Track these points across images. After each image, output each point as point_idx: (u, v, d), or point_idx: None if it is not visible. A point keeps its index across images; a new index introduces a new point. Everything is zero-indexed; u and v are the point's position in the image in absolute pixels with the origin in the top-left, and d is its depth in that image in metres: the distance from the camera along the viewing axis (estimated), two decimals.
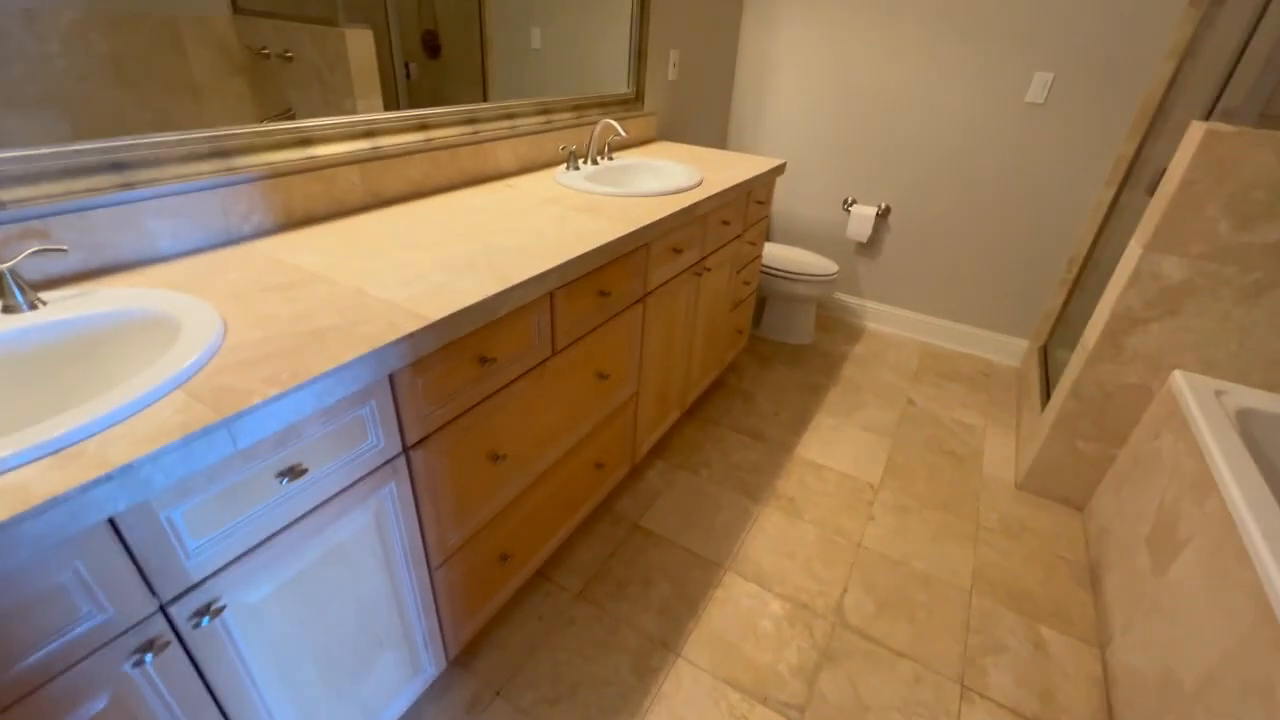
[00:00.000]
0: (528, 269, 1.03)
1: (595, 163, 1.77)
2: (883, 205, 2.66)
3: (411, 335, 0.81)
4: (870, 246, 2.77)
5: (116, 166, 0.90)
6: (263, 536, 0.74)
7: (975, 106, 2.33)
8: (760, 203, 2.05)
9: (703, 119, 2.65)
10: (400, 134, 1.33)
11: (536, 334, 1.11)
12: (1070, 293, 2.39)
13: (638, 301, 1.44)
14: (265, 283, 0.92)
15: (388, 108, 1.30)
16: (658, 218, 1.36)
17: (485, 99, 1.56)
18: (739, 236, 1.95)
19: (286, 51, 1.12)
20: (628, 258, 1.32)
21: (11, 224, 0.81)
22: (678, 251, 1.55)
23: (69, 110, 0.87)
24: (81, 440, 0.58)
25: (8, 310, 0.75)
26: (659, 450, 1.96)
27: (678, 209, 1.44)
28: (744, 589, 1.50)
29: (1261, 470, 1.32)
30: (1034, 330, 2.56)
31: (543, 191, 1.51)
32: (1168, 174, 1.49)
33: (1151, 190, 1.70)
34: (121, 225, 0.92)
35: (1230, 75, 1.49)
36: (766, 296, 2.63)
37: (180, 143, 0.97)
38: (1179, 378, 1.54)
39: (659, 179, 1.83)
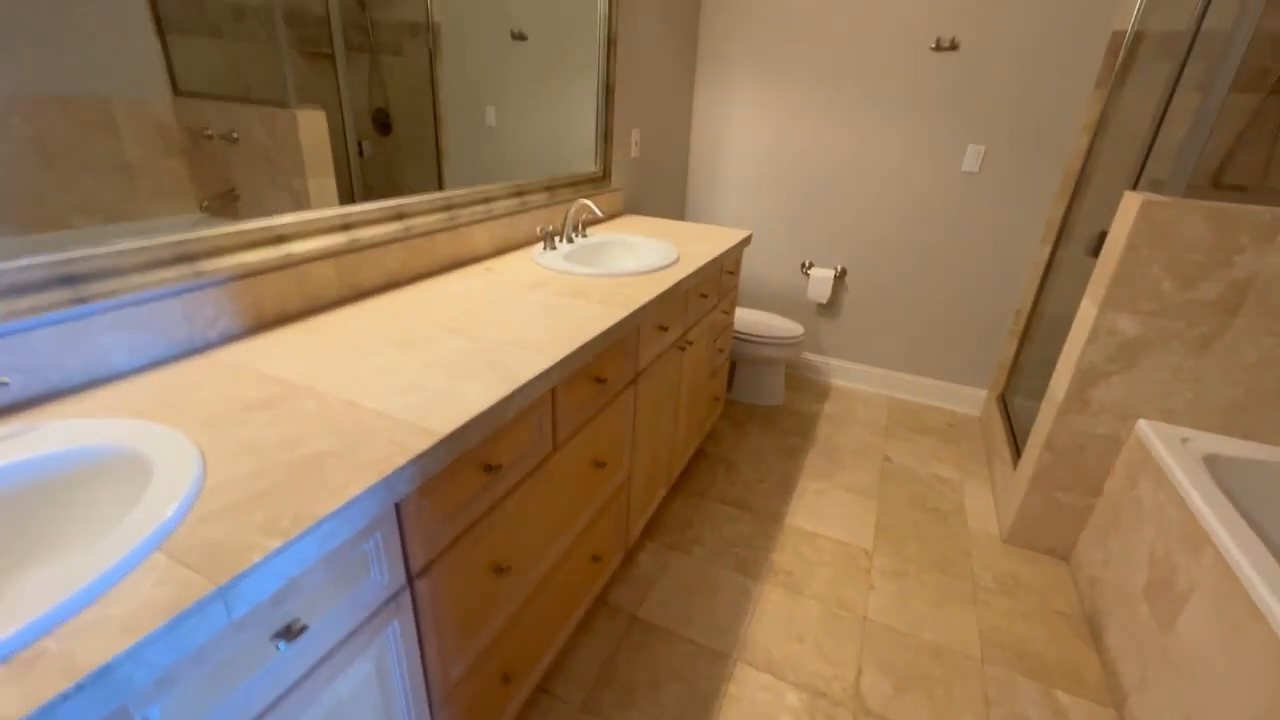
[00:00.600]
0: (531, 365, 0.97)
1: (571, 240, 1.75)
2: (839, 267, 2.77)
3: (422, 456, 0.73)
4: (831, 307, 2.86)
5: (68, 281, 0.80)
6: (252, 716, 0.62)
7: (918, 175, 2.50)
8: (730, 273, 2.09)
9: (663, 192, 2.72)
10: (377, 225, 1.27)
11: (538, 432, 1.04)
12: (1020, 343, 2.52)
13: (630, 384, 1.40)
14: (243, 399, 0.82)
15: (341, 187, 1.23)
16: (648, 299, 1.34)
17: (440, 175, 1.53)
18: (715, 307, 1.97)
19: (232, 132, 1.06)
20: (621, 341, 1.29)
21: None
22: (663, 329, 1.53)
23: None
24: (39, 638, 0.47)
25: None
26: (649, 530, 1.88)
27: (664, 289, 1.43)
28: (757, 681, 1.41)
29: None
30: (991, 380, 2.68)
31: (524, 275, 1.47)
32: (1111, 239, 1.61)
33: (1092, 252, 1.83)
34: (71, 344, 0.81)
35: (1150, 150, 1.66)
36: (736, 360, 2.65)
37: (143, 250, 0.88)
38: (1144, 426, 1.62)
39: (637, 257, 1.83)
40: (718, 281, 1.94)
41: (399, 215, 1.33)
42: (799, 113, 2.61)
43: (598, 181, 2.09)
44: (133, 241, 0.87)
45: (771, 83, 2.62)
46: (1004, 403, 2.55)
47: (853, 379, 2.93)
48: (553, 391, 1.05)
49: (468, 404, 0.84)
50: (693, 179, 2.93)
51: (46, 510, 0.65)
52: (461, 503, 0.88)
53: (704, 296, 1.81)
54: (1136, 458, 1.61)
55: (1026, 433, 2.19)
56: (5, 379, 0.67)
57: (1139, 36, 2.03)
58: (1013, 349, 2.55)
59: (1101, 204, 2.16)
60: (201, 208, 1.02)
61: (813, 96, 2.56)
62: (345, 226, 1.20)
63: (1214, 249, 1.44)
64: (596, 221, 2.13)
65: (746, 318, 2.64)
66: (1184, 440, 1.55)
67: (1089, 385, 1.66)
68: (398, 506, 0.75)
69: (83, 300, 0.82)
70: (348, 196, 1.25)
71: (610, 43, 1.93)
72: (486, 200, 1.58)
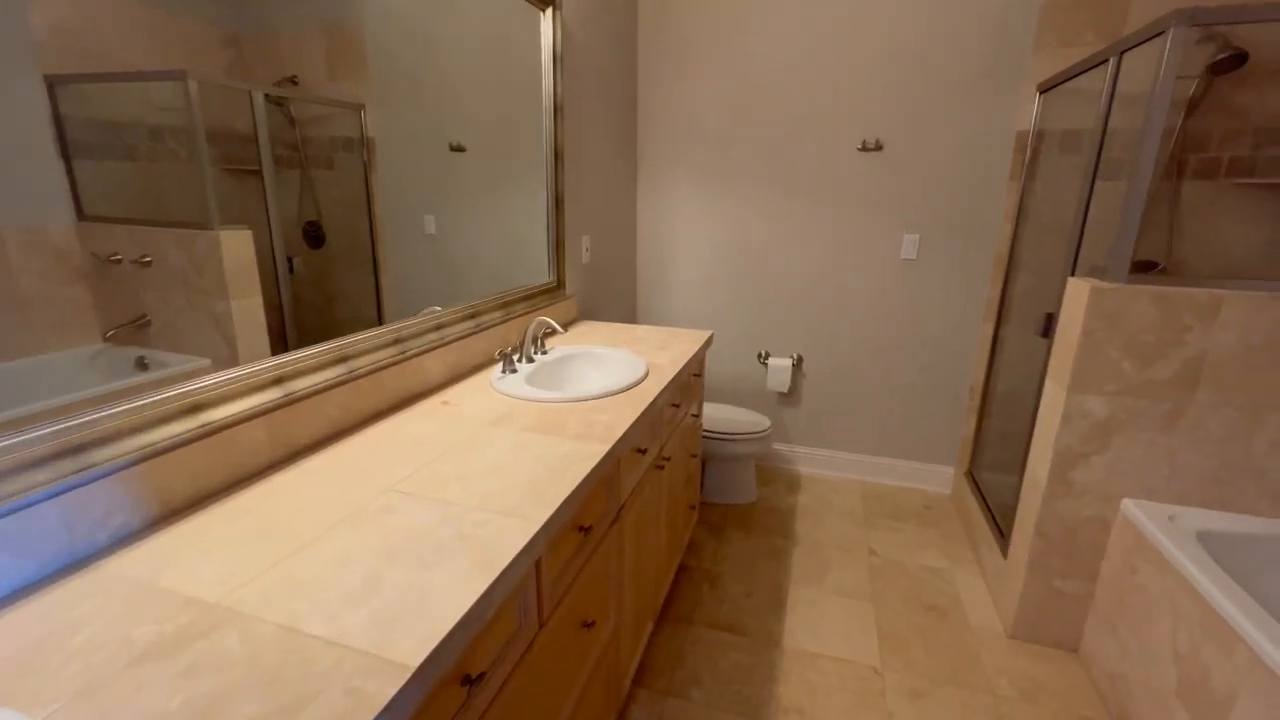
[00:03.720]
0: (512, 537, 0.82)
1: (531, 359, 1.64)
2: (796, 355, 2.77)
3: (389, 707, 0.56)
4: (791, 395, 2.83)
5: None
6: None
7: (862, 264, 2.58)
8: (696, 375, 2.02)
9: (615, 296, 2.68)
10: (317, 372, 1.12)
11: (522, 614, 0.87)
12: (979, 418, 2.56)
13: (614, 522, 1.25)
14: (136, 645, 0.63)
15: (269, 305, 1.08)
16: (627, 424, 1.22)
17: (378, 286, 1.42)
18: (686, 414, 1.87)
19: (144, 256, 0.91)
20: (603, 479, 1.16)
21: None
22: (641, 452, 1.41)
23: None
24: None
25: None
26: (639, 676, 1.66)
27: (640, 410, 1.32)
28: None
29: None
30: (956, 456, 2.68)
31: (486, 406, 1.33)
32: (1064, 323, 1.65)
33: (1042, 333, 1.89)
34: None
35: (1081, 237, 1.75)
36: (706, 459, 2.54)
37: (11, 449, 0.69)
38: (1130, 506, 1.60)
39: (605, 371, 1.73)
40: (687, 388, 1.86)
41: (341, 358, 1.18)
42: (742, 210, 2.69)
43: (552, 291, 2.02)
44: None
45: (711, 183, 2.70)
46: (973, 478, 2.54)
47: (821, 466, 2.87)
48: (538, 563, 0.90)
49: (440, 609, 0.68)
50: (642, 280, 2.93)
51: None
52: None
53: (675, 406, 1.72)
54: (1129, 540, 1.57)
55: (1003, 509, 2.16)
56: None
57: (1040, 135, 2.23)
58: (973, 424, 2.58)
59: (1036, 285, 2.28)
60: (105, 337, 0.85)
61: (753, 195, 2.65)
62: (278, 380, 1.04)
63: (1163, 330, 1.50)
64: (554, 330, 2.04)
65: (712, 414, 2.57)
66: (1171, 518, 1.53)
67: (1069, 468, 1.65)
68: None
69: None
70: (276, 315, 1.10)
71: (557, 155, 1.92)
72: (439, 327, 1.46)
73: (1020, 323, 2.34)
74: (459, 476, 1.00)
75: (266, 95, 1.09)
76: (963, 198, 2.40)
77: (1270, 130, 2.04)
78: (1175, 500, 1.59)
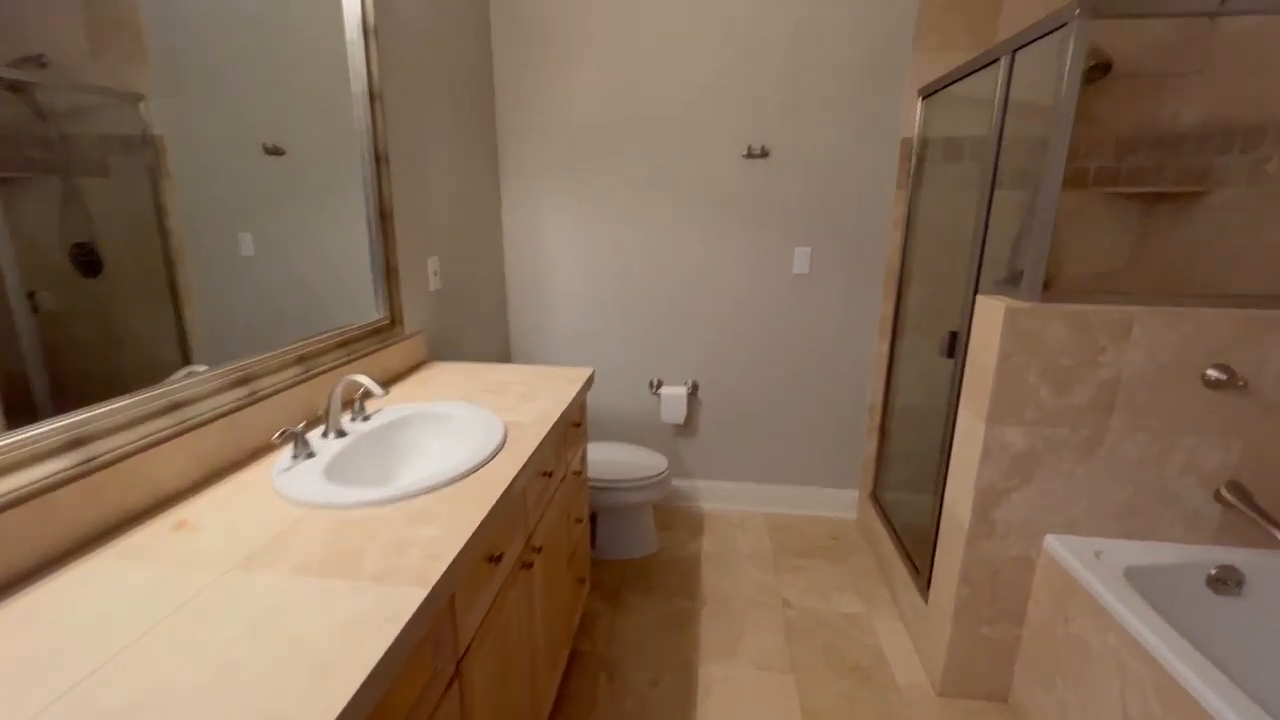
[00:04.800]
0: None
1: (342, 433, 1.20)
2: (690, 382, 2.50)
3: None
4: (688, 426, 2.57)
5: None
6: None
7: (753, 280, 2.37)
8: (576, 424, 1.66)
9: (479, 328, 2.26)
10: None
11: None
12: (880, 438, 2.43)
13: (451, 682, 0.86)
14: None
15: None
16: (462, 543, 0.84)
17: (180, 320, 1.07)
18: (564, 478, 1.51)
19: None
20: (422, 641, 0.76)
21: None
22: (494, 560, 1.02)
23: None
24: None
25: None
26: None
27: (490, 506, 0.94)
28: None
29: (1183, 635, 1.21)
30: (859, 479, 2.54)
31: (244, 527, 0.88)
32: (977, 346, 1.49)
33: (946, 353, 1.75)
34: None
35: (983, 251, 1.62)
36: (597, 512, 2.19)
37: None
38: (1054, 543, 1.47)
39: (449, 442, 1.31)
40: (563, 445, 1.50)
41: None
42: (623, 223, 2.38)
43: (384, 331, 1.57)
44: None
45: (587, 191, 2.37)
46: (877, 501, 2.41)
47: (724, 500, 2.62)
48: None
49: None
50: (515, 307, 2.53)
51: None
52: None
53: (547, 475, 1.35)
54: (1057, 581, 1.43)
55: (911, 534, 2.02)
56: None
57: (924, 142, 2.14)
58: (874, 445, 2.45)
59: (930, 299, 2.17)
60: None
61: (635, 205, 2.35)
62: None
63: (1079, 351, 1.37)
64: (392, 379, 1.59)
65: (601, 458, 2.22)
66: (1097, 554, 1.41)
67: (992, 507, 1.49)
68: None
69: None
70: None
71: (379, 157, 1.49)
72: (175, 407, 0.98)
73: (917, 337, 2.23)
74: (134, 710, 0.56)
75: None
76: (853, 208, 2.26)
77: (1132, 140, 2.07)
78: (1095, 532, 1.48)
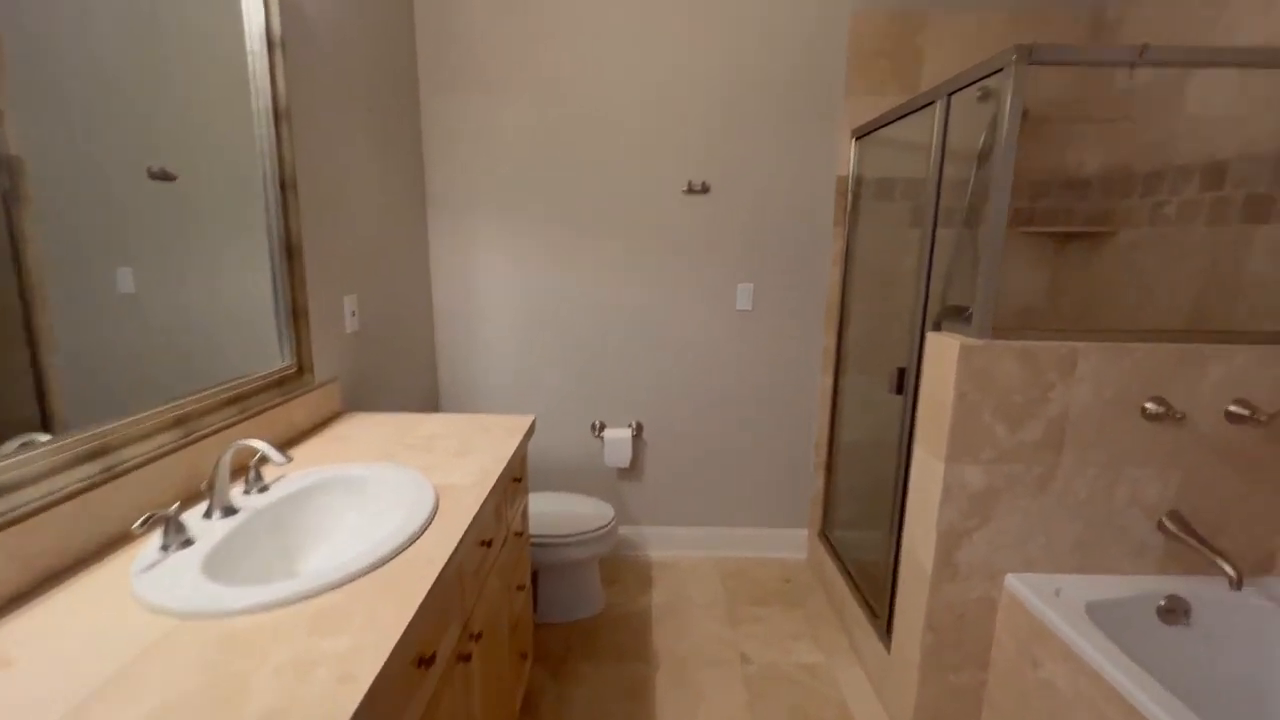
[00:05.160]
0: None
1: (230, 511, 0.98)
2: (634, 423, 2.39)
3: None
4: (634, 470, 2.44)
5: None
6: None
7: (696, 317, 2.31)
8: (518, 479, 1.50)
9: (405, 375, 2.05)
10: None
11: None
12: (828, 474, 2.40)
13: None
14: None
15: None
16: (387, 653, 0.67)
17: (38, 372, 0.87)
18: (504, 542, 1.34)
19: None
20: None
21: None
22: (424, 664, 0.84)
23: None
24: None
25: None
26: None
27: (423, 596, 0.77)
28: None
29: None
30: (808, 518, 2.49)
31: (86, 665, 0.67)
32: (931, 384, 1.47)
33: (895, 390, 1.73)
34: None
35: (928, 288, 1.62)
36: (539, 572, 2.00)
37: None
38: (1014, 582, 1.44)
39: (367, 515, 1.11)
40: (504, 506, 1.33)
41: None
42: (560, 259, 2.26)
43: (289, 382, 1.36)
44: None
45: (523, 228, 2.24)
46: (827, 539, 2.36)
47: (673, 546, 2.49)
48: None
49: None
50: (444, 348, 2.34)
51: None
52: None
53: (486, 545, 1.18)
54: (1021, 622, 1.40)
55: (864, 573, 1.97)
56: None
57: (859, 180, 2.18)
58: (821, 482, 2.42)
59: (871, 334, 2.19)
60: None
61: (573, 241, 2.25)
62: None
63: (1030, 388, 1.37)
64: (299, 439, 1.37)
65: (543, 510, 2.04)
66: (1057, 592, 1.39)
67: (954, 548, 1.45)
68: None
69: None
70: None
71: (285, 185, 1.30)
72: None
73: (860, 372, 2.23)
74: None
75: None
76: (793, 244, 2.26)
77: (1043, 183, 2.20)
78: (1053, 568, 1.47)
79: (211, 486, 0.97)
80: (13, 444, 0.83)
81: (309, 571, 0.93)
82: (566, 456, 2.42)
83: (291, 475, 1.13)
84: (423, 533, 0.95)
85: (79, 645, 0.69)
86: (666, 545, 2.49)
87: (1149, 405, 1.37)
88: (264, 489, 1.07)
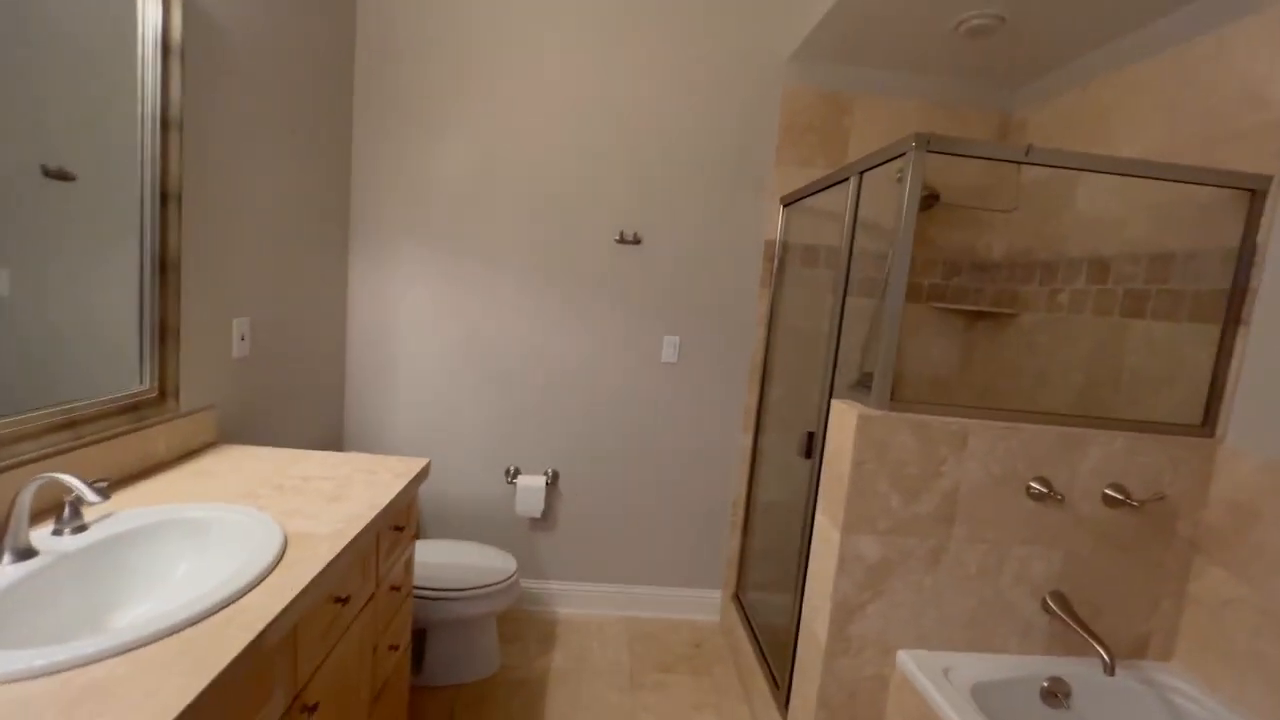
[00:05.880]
0: None
1: (27, 554, 0.85)
2: (550, 472, 2.31)
3: None
4: (546, 520, 2.34)
5: None
6: None
7: (621, 366, 2.28)
8: (400, 528, 1.39)
9: (305, 407, 1.93)
10: None
11: None
12: (744, 535, 2.37)
13: None
14: None
15: None
16: None
17: None
18: (370, 600, 1.23)
19: None
20: None
21: None
22: None
23: None
24: None
25: None
26: None
27: (224, 666, 0.68)
28: None
29: None
30: (723, 579, 2.44)
31: None
32: (833, 451, 1.47)
33: (804, 453, 1.73)
34: None
35: (836, 355, 1.65)
36: (426, 629, 1.86)
37: None
38: (905, 659, 1.42)
39: (199, 564, 0.99)
40: (374, 560, 1.23)
41: None
42: (485, 299, 2.21)
43: (144, 407, 1.23)
44: None
45: (448, 260, 2.19)
46: (739, 602, 2.31)
47: (581, 604, 2.38)
48: None
49: None
50: (354, 383, 2.22)
51: None
52: None
53: (341, 601, 1.07)
54: (911, 704, 1.37)
55: (771, 638, 1.92)
56: None
57: (785, 246, 2.24)
58: (737, 542, 2.38)
59: (790, 395, 2.21)
60: None
61: (500, 279, 2.21)
62: None
63: (923, 461, 1.39)
64: (156, 470, 1.23)
65: (438, 560, 1.92)
66: (946, 671, 1.38)
67: (848, 621, 1.42)
68: None
69: None
70: None
71: (167, 197, 1.22)
72: None
73: (778, 432, 2.24)
74: None
75: None
76: (721, 301, 2.28)
77: (954, 263, 2.32)
78: (945, 644, 1.46)
79: (4, 526, 0.84)
80: None
81: (119, 627, 0.81)
82: (475, 504, 2.30)
83: (121, 514, 1.01)
84: (252, 587, 0.85)
85: None
86: (574, 602, 2.38)
87: (1033, 485, 1.40)
88: (81, 528, 0.94)
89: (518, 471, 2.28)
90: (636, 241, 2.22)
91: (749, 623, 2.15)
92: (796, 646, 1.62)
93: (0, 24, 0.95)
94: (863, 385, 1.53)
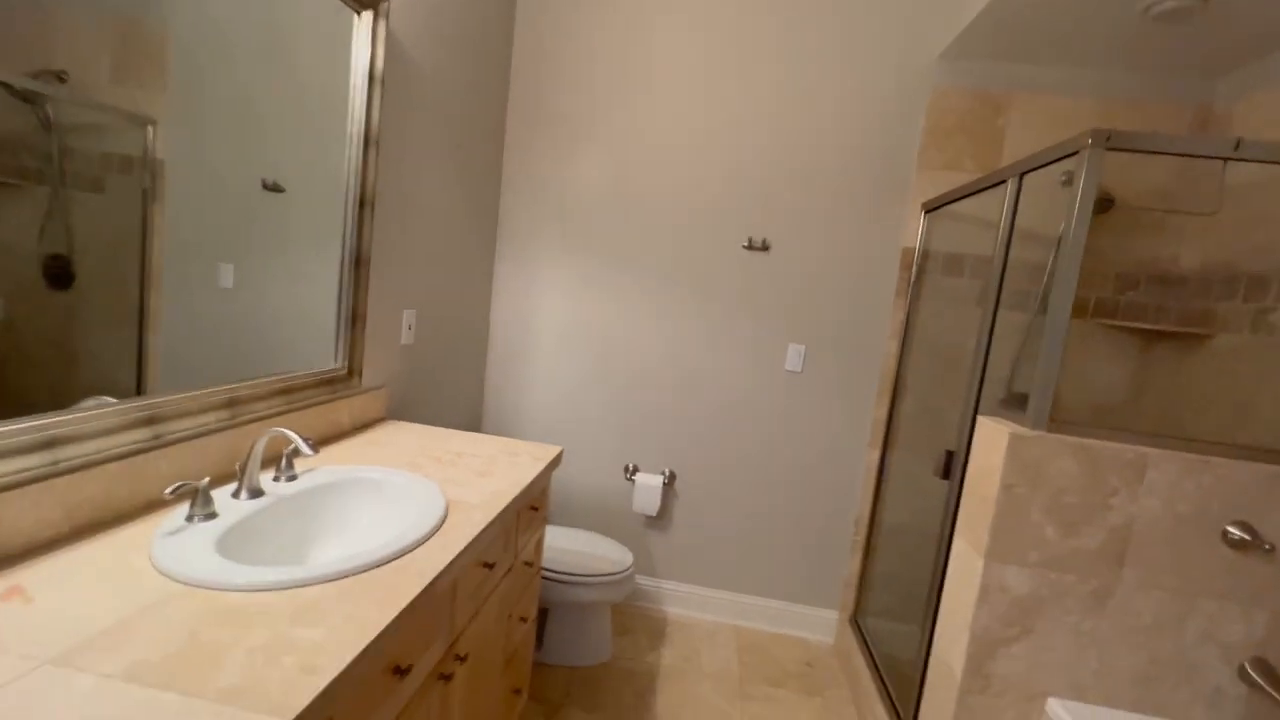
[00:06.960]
0: None
1: (257, 494, 1.04)
2: (668, 472, 2.35)
3: None
4: (661, 519, 2.39)
5: None
6: None
7: (744, 372, 2.28)
8: (535, 508, 1.50)
9: (451, 392, 2.14)
10: None
11: None
12: (865, 555, 2.26)
13: None
14: None
15: None
16: (355, 653, 0.68)
17: (141, 347, 1.01)
18: (510, 570, 1.33)
19: None
20: None
21: None
22: (400, 673, 0.84)
23: None
24: None
25: None
26: None
27: (405, 604, 0.78)
28: None
29: None
30: (839, 600, 2.34)
31: (93, 610, 0.71)
32: (977, 471, 1.37)
33: (941, 474, 1.63)
34: None
35: (984, 371, 1.53)
36: (548, 608, 1.97)
37: None
38: (1056, 708, 1.28)
39: (377, 517, 1.15)
40: (514, 534, 1.34)
41: None
42: (615, 302, 2.31)
43: (337, 382, 1.44)
44: None
45: (583, 265, 2.32)
46: (857, 626, 2.20)
47: (691, 606, 2.39)
48: None
49: None
50: (494, 372, 2.42)
51: None
52: None
53: (488, 567, 1.18)
54: None
55: (893, 670, 1.81)
56: None
57: (925, 254, 2.12)
58: (858, 563, 2.27)
59: (925, 412, 2.08)
60: None
61: (630, 284, 2.30)
62: None
63: (1088, 491, 1.25)
64: (339, 437, 1.44)
65: (562, 545, 2.03)
66: None
67: (988, 657, 1.31)
68: None
69: None
70: None
71: (363, 201, 1.42)
72: (49, 444, 0.83)
73: (909, 450, 2.12)
74: None
75: (8, 86, 0.80)
76: (850, 310, 2.21)
77: (1132, 275, 2.06)
78: (1106, 700, 1.30)
79: (244, 468, 1.03)
80: (90, 401, 0.93)
81: (315, 562, 0.96)
82: (596, 495, 2.41)
83: (321, 469, 1.19)
84: (424, 542, 0.97)
85: (92, 593, 0.74)
86: (685, 604, 2.40)
87: (1232, 529, 1.21)
88: (293, 478, 1.13)
89: (636, 469, 2.36)
90: (765, 248, 2.22)
91: (868, 648, 2.05)
92: (925, 678, 1.52)
93: (250, 66, 1.17)
94: (1013, 404, 1.41)
